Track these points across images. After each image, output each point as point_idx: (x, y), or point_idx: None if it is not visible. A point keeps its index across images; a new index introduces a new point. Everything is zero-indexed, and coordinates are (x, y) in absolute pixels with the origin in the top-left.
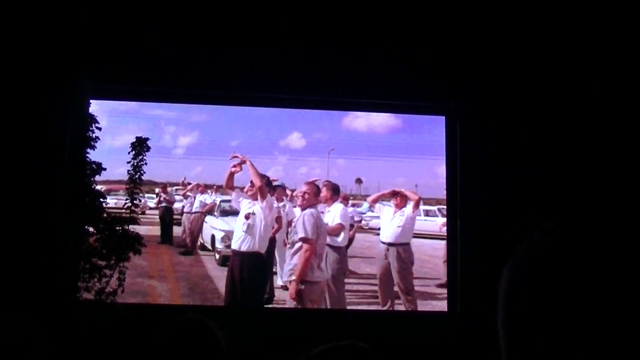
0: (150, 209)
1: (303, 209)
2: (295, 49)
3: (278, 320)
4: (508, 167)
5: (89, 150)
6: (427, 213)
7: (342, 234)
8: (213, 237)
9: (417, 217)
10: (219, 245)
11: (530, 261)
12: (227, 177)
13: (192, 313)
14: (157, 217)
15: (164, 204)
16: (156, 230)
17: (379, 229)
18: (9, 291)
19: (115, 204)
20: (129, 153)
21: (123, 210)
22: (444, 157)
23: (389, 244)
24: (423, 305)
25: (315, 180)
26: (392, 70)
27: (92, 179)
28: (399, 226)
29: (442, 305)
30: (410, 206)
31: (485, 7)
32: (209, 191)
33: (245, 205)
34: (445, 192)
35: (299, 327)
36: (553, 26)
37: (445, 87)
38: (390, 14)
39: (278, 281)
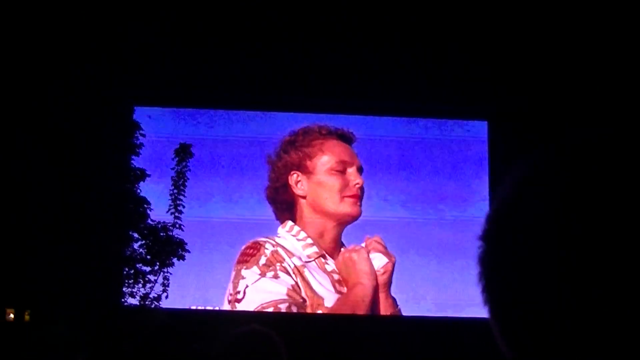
0: None
1: None
2: (329, 51)
3: (325, 326)
4: None
5: (132, 156)
6: None
7: None
8: None
9: None
10: None
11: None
12: None
13: (256, 324)
14: None
15: None
16: None
17: None
18: (54, 296)
19: None
20: (172, 159)
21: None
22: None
23: None
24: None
25: None
26: (429, 71)
27: (136, 185)
28: None
29: None
30: None
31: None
32: None
33: None
34: None
35: (354, 334)
36: (606, 22)
37: (487, 89)
38: (426, 13)
39: None
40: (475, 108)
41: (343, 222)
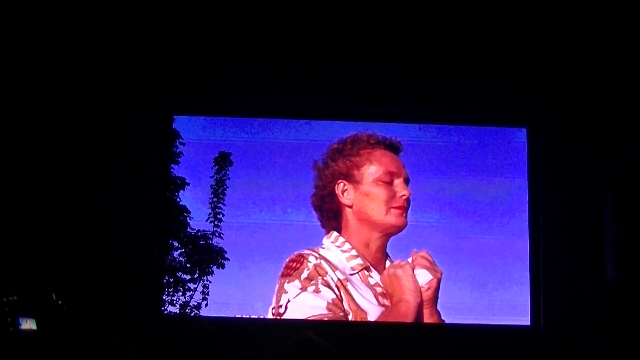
0: None
1: None
2: (369, 59)
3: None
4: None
5: (173, 165)
6: None
7: None
8: None
9: None
10: None
11: None
12: None
13: (310, 332)
14: None
15: None
16: None
17: None
18: (94, 304)
19: None
20: (211, 168)
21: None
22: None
23: None
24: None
25: None
26: (463, 75)
27: (176, 194)
28: None
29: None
30: None
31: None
32: None
33: None
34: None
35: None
36: None
37: (528, 93)
38: (467, 21)
39: None
40: (515, 115)
41: (388, 233)
